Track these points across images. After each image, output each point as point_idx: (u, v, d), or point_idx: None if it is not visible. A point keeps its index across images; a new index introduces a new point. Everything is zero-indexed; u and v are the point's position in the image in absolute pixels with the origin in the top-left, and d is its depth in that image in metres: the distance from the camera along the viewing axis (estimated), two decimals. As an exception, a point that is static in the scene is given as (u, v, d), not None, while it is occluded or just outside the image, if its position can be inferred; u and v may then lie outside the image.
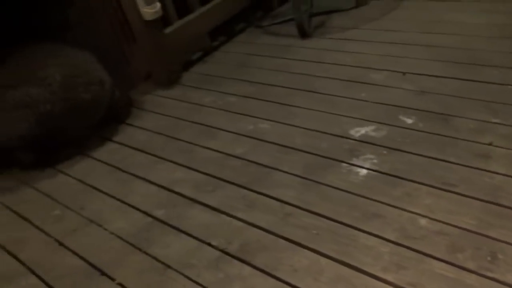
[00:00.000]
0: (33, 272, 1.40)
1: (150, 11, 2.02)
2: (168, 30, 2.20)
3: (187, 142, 1.79)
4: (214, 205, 1.46)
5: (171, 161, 1.70)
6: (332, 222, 1.29)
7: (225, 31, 2.60)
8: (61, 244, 1.48)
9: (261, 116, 1.82)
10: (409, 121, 1.63)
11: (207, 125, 1.86)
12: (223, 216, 1.41)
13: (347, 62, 2.03)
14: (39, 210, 1.64)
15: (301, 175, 1.49)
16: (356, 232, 1.25)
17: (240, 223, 1.37)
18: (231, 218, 1.40)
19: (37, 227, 1.57)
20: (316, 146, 1.60)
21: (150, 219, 1.48)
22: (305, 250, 1.23)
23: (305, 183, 1.46)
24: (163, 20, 2.15)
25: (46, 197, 1.70)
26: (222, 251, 1.30)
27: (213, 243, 1.32)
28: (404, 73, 1.87)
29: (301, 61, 2.14)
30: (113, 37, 2.41)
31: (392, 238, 1.21)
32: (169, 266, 1.30)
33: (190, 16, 2.34)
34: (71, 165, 1.83)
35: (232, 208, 1.43)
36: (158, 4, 2.04)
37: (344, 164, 1.50)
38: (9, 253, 1.49)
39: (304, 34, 2.32)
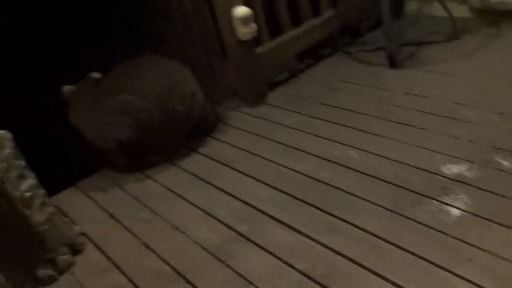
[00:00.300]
0: (120, 270, 1.48)
1: (246, 31, 2.08)
2: (259, 49, 2.26)
3: (271, 161, 1.82)
4: (296, 226, 1.47)
5: (255, 178, 1.74)
6: (422, 261, 1.26)
7: (312, 54, 2.63)
8: (147, 246, 1.54)
9: (348, 143, 1.82)
10: (505, 163, 1.56)
11: (292, 146, 1.88)
12: (306, 239, 1.42)
13: (439, 96, 1.99)
14: (128, 212, 1.73)
15: (388, 207, 1.47)
16: (447, 274, 1.21)
17: (324, 249, 1.37)
18: (314, 242, 1.40)
19: (125, 227, 1.65)
20: (405, 179, 1.57)
21: (233, 233, 1.51)
22: (393, 287, 1.21)
23: (393, 216, 1.43)
24: (255, 40, 2.22)
25: (135, 200, 1.79)
26: (305, 275, 1.30)
27: (297, 266, 1.33)
28: (501, 113, 1.80)
29: (390, 91, 2.11)
30: (205, 52, 2.52)
31: (488, 287, 1.16)
32: (251, 282, 1.32)
33: (281, 38, 2.39)
34: (159, 172, 1.92)
35: (315, 231, 1.43)
36: (254, 25, 2.11)
37: (435, 202, 1.46)
38: (99, 248, 1.58)
39: (393, 63, 2.30)
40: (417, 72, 2.23)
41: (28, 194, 1.42)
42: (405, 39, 2.53)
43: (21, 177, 1.42)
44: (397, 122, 1.88)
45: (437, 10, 2.77)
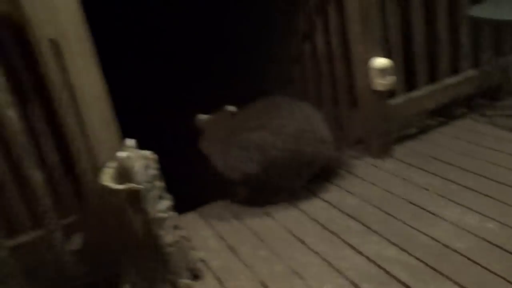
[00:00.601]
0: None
1: (383, 83, 2.04)
2: (391, 101, 2.21)
3: (401, 221, 1.72)
4: (431, 298, 1.36)
5: (383, 237, 1.65)
6: None
7: (443, 112, 2.51)
8: (264, 285, 1.52)
9: (488, 214, 1.67)
10: None
11: (423, 208, 1.77)
12: (441, 314, 1.30)
13: None
14: (247, 247, 1.72)
15: (539, 296, 1.31)
16: None
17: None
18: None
19: (243, 262, 1.65)
20: (559, 266, 1.40)
21: (356, 290, 1.44)
22: None
23: (545, 307, 1.27)
24: (389, 91, 2.17)
25: (254, 235, 1.78)
26: None
27: None
28: None
29: (538, 164, 1.93)
30: (332, 98, 2.52)
31: None
32: None
33: (415, 93, 2.32)
34: (279, 211, 1.91)
35: (453, 308, 1.31)
36: (391, 77, 2.06)
37: None
38: (218, 279, 1.59)
39: (540, 134, 2.11)
40: None
41: (164, 215, 1.47)
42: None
43: (160, 197, 1.48)
44: (549, 200, 1.70)
45: None
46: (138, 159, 1.41)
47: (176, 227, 1.53)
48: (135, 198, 1.37)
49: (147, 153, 1.48)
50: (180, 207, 2.09)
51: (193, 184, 2.32)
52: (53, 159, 1.53)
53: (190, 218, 1.97)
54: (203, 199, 2.11)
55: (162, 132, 2.73)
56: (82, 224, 1.56)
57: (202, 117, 2.09)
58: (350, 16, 2.04)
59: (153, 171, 1.45)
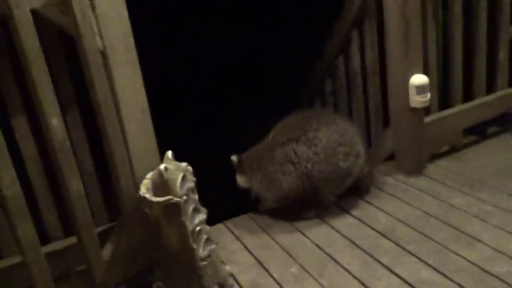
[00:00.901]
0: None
1: (420, 100, 2.02)
2: (427, 119, 2.17)
3: (436, 242, 1.68)
4: (468, 324, 1.32)
5: (418, 258, 1.61)
6: None
7: (477, 130, 2.47)
8: (296, 304, 1.50)
9: (527, 238, 1.63)
10: None
11: (459, 230, 1.73)
12: None
13: None
14: (277, 263, 1.71)
15: None
16: None
17: None
18: None
19: (274, 279, 1.63)
20: None
21: (391, 313, 1.41)
22: None
23: None
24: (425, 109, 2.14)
25: (284, 252, 1.77)
26: None
27: None
28: None
29: None
30: (365, 114, 2.50)
31: None
32: None
33: (450, 110, 2.28)
34: (309, 227, 1.89)
35: (493, 336, 1.27)
36: (429, 95, 2.04)
37: None
38: (248, 295, 1.58)
39: None
40: None
41: (198, 228, 1.47)
42: None
43: (196, 210, 1.48)
44: None
45: None
46: (177, 171, 1.41)
47: (208, 241, 1.52)
48: (172, 210, 1.37)
49: (184, 165, 1.48)
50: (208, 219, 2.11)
51: (221, 195, 2.31)
52: (90, 169, 1.55)
53: (218, 231, 1.96)
54: (231, 211, 2.11)
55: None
56: (117, 234, 1.56)
57: (233, 157, 2.01)
58: (390, 32, 2.03)
59: (190, 183, 1.45)
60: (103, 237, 1.59)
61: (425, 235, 1.73)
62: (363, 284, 1.54)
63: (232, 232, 1.95)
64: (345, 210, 1.98)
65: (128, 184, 1.46)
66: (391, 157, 2.31)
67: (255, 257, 1.76)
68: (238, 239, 1.90)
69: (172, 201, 1.37)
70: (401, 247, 1.69)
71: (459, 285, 1.47)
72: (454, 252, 1.62)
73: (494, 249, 1.60)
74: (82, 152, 1.57)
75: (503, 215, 1.78)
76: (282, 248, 1.79)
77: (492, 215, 1.79)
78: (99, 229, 1.61)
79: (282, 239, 1.84)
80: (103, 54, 1.29)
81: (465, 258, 1.58)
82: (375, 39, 2.27)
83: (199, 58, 3.52)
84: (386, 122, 2.34)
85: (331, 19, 2.49)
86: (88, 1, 1.25)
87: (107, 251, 1.54)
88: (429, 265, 1.57)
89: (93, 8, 1.26)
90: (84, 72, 1.31)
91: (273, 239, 1.86)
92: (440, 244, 1.67)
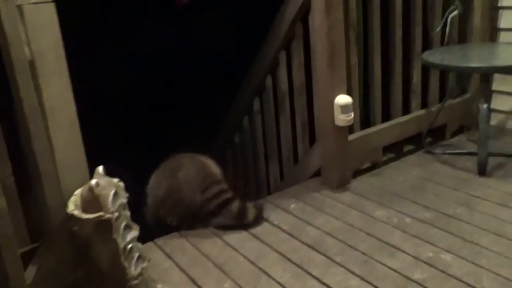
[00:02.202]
0: None
1: (345, 119, 2.13)
2: (350, 137, 2.30)
3: (362, 252, 1.77)
4: (394, 328, 1.40)
5: (345, 268, 1.69)
6: None
7: (394, 148, 2.65)
8: (231, 320, 1.50)
9: (442, 246, 1.76)
10: None
11: (382, 240, 1.83)
12: None
13: (538, 214, 1.93)
14: (210, 279, 1.70)
15: (493, 324, 1.38)
16: None
17: None
18: None
19: (208, 296, 1.62)
20: (508, 296, 1.49)
21: (323, 322, 1.45)
22: None
23: (500, 335, 1.35)
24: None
25: (217, 268, 1.76)
26: None
27: None
28: None
29: (483, 199, 2.07)
30: (292, 132, 2.59)
31: None
32: None
33: (371, 129, 2.44)
34: (241, 242, 1.90)
35: (416, 338, 1.36)
36: (352, 114, 2.16)
37: (544, 327, 1.37)
38: (181, 314, 1.55)
39: (484, 171, 2.27)
40: (511, 185, 2.18)
41: (130, 246, 1.43)
42: (492, 149, 2.51)
43: (128, 227, 1.44)
44: (497, 234, 1.81)
45: (524, 125, 2.78)
46: (108, 186, 1.37)
47: (140, 258, 1.49)
48: (104, 227, 1.33)
49: (116, 180, 1.44)
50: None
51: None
52: (12, 186, 1.46)
53: (148, 249, 1.91)
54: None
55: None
56: (41, 255, 1.47)
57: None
58: (317, 54, 2.13)
59: (122, 199, 1.42)
60: (25, 259, 1.50)
61: (351, 247, 1.82)
62: (295, 296, 1.58)
63: (163, 250, 1.91)
64: (276, 225, 2.02)
65: (55, 201, 1.40)
66: (317, 174, 2.41)
67: (187, 275, 1.74)
68: (170, 257, 1.86)
69: (103, 217, 1.33)
70: (330, 258, 1.75)
71: (384, 292, 1.56)
72: (378, 261, 1.71)
73: (414, 257, 1.72)
74: (2, 167, 1.47)
75: (419, 225, 1.92)
76: (215, 264, 1.79)
77: (410, 225, 1.92)
78: (21, 250, 1.51)
79: (214, 256, 1.84)
80: (32, 64, 1.23)
81: (389, 267, 1.68)
82: (302, 60, 2.38)
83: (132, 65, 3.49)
84: (312, 140, 2.45)
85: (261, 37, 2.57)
86: (16, 7, 1.20)
87: (29, 274, 1.45)
88: (356, 274, 1.65)
89: (22, 14, 1.21)
90: (10, 83, 1.24)
91: (205, 255, 1.85)
92: (365, 254, 1.76)
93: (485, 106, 2.25)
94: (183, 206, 2.01)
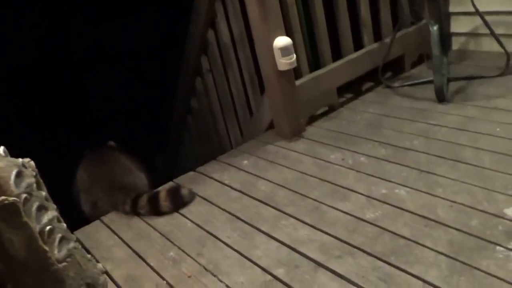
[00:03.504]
0: (144, 316, 1.34)
1: (286, 62, 1.99)
2: (298, 82, 2.16)
3: (313, 199, 1.66)
4: (343, 273, 1.30)
5: (295, 218, 1.58)
6: (494, 319, 1.07)
7: (351, 88, 2.52)
8: (173, 288, 1.40)
9: (397, 181, 1.66)
10: None
11: (335, 184, 1.73)
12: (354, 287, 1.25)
13: (498, 133, 1.81)
14: (155, 250, 1.59)
15: (447, 253, 1.28)
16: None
17: (376, 301, 1.20)
18: (364, 293, 1.23)
19: (151, 268, 1.51)
20: (464, 222, 1.39)
21: (269, 277, 1.35)
22: None
23: (453, 264, 1.25)
24: (294, 72, 2.12)
25: (163, 238, 1.66)
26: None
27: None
28: None
29: (442, 127, 1.95)
30: (242, 85, 2.45)
31: None
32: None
33: (321, 71, 2.29)
34: (189, 207, 1.79)
35: (365, 280, 1.26)
36: (294, 56, 2.01)
37: (500, 248, 1.27)
38: (122, 290, 1.45)
39: (442, 98, 2.14)
40: (470, 107, 2.06)
41: (49, 227, 1.31)
42: (453, 74, 2.38)
43: (42, 208, 1.32)
44: (451, 159, 1.71)
45: (485, 46, 2.64)
46: (9, 167, 1.24)
47: (65, 239, 1.37)
48: (10, 212, 1.20)
49: (20, 160, 1.31)
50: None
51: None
52: None
53: (93, 228, 1.81)
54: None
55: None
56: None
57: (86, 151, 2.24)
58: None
59: (30, 179, 1.29)
60: None
61: (303, 195, 1.71)
62: (241, 254, 1.47)
63: (109, 227, 1.80)
64: (227, 185, 1.90)
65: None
66: (272, 125, 2.28)
67: (132, 249, 1.63)
68: (115, 233, 1.75)
69: (6, 202, 1.20)
70: (280, 211, 1.65)
71: (334, 237, 1.45)
72: (330, 206, 1.61)
73: (367, 196, 1.62)
74: None
75: (374, 163, 1.81)
76: (161, 234, 1.68)
77: (365, 164, 1.81)
78: None
79: (161, 225, 1.72)
80: None
81: (340, 210, 1.57)
82: (238, 8, 2.22)
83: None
84: (263, 90, 2.31)
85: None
86: None
87: None
88: (306, 223, 1.55)
89: None
90: None
91: (151, 226, 1.74)
92: (316, 201, 1.65)
93: (435, 28, 2.11)
94: (99, 203, 1.97)
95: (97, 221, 1.86)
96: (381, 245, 1.37)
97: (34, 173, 1.32)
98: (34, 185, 1.31)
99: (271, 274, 1.36)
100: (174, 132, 3.49)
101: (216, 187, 1.91)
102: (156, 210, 1.80)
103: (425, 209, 1.48)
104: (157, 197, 1.81)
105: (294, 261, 1.39)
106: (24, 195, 1.25)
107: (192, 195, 1.85)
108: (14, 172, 1.24)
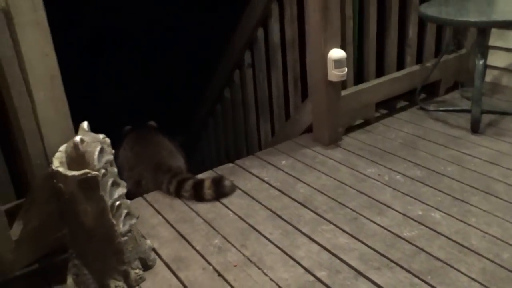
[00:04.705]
0: (192, 296, 1.43)
1: (337, 74, 2.08)
2: (343, 93, 2.25)
3: (352, 209, 1.77)
4: (382, 284, 1.41)
5: (335, 225, 1.69)
6: None
7: (386, 105, 2.61)
8: (220, 275, 1.50)
9: (432, 204, 1.76)
10: None
11: (372, 198, 1.83)
12: (394, 300, 1.36)
13: (528, 172, 1.92)
14: (200, 235, 1.69)
15: (480, 281, 1.39)
16: None
17: (413, 314, 1.31)
18: (401, 305, 1.34)
19: (197, 251, 1.61)
20: (495, 253, 1.50)
21: (312, 278, 1.46)
22: None
23: (486, 292, 1.36)
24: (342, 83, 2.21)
25: (206, 224, 1.75)
26: None
27: (385, 327, 1.27)
28: None
29: (474, 157, 2.06)
30: (284, 86, 2.53)
31: None
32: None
33: (364, 85, 2.38)
34: (231, 199, 1.89)
35: (403, 294, 1.37)
36: (346, 69, 2.10)
37: (529, 283, 1.38)
38: (170, 269, 1.55)
39: (477, 129, 2.25)
40: (502, 143, 2.16)
41: (118, 202, 1.40)
42: (486, 106, 2.48)
43: (115, 184, 1.41)
44: (483, 191, 1.81)
45: (518, 83, 2.74)
46: (94, 143, 1.32)
47: (128, 215, 1.46)
48: (90, 185, 1.29)
49: (102, 136, 1.40)
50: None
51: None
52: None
53: (138, 205, 1.90)
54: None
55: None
56: (25, 211, 1.44)
57: (127, 128, 2.36)
58: (311, 5, 2.03)
59: (109, 156, 1.38)
60: (10, 216, 1.47)
61: (341, 204, 1.81)
62: (284, 252, 1.58)
63: (152, 206, 1.89)
64: (266, 182, 2.00)
65: (39, 158, 1.35)
66: (309, 130, 2.37)
67: (176, 231, 1.73)
68: (159, 213, 1.85)
69: (89, 175, 1.29)
70: (320, 215, 1.75)
71: (373, 249, 1.56)
72: (368, 219, 1.71)
73: (403, 214, 1.72)
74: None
75: (410, 183, 1.91)
76: (204, 220, 1.78)
77: (401, 183, 1.92)
78: (5, 206, 1.48)
79: (204, 212, 1.82)
80: (6, 13, 1.15)
81: (378, 224, 1.68)
82: (295, 12, 2.29)
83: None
84: (304, 95, 2.40)
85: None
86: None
87: (16, 230, 1.42)
88: (346, 232, 1.65)
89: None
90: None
91: (194, 211, 1.84)
92: (355, 212, 1.75)
93: (481, 62, 2.20)
94: (143, 182, 2.06)
95: (140, 198, 1.96)
96: (417, 264, 1.48)
97: (111, 150, 1.41)
98: (110, 162, 1.40)
99: (314, 275, 1.47)
100: (200, 117, 3.58)
101: (256, 182, 2.00)
102: (199, 196, 1.90)
103: (459, 235, 1.59)
104: (202, 184, 1.90)
105: (335, 266, 1.50)
106: (103, 171, 1.34)
107: (234, 188, 1.94)
108: (98, 148, 1.33)
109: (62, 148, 1.37)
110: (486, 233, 1.60)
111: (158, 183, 1.98)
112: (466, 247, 1.53)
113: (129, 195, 2.01)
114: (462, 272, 1.43)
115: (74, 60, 3.00)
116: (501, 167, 1.98)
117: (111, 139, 1.43)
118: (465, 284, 1.39)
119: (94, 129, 1.42)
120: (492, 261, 1.47)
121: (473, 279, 1.40)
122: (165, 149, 2.18)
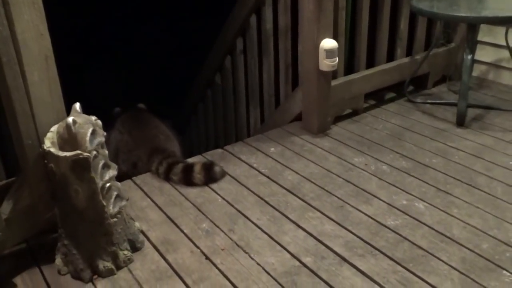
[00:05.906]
0: (180, 277, 1.46)
1: (329, 63, 2.10)
2: (333, 83, 2.27)
3: (338, 197, 1.80)
4: (366, 271, 1.45)
5: (321, 212, 1.72)
6: (499, 333, 1.24)
7: (375, 96, 2.64)
8: (207, 258, 1.53)
9: (416, 194, 1.81)
10: None
11: (358, 187, 1.87)
12: (377, 286, 1.40)
13: (510, 166, 1.98)
14: (188, 219, 1.72)
15: (459, 269, 1.44)
16: None
17: (394, 300, 1.35)
18: (384, 292, 1.38)
19: (185, 235, 1.64)
20: (475, 243, 1.55)
21: (298, 263, 1.50)
22: None
23: (465, 280, 1.41)
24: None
25: (195, 208, 1.78)
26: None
27: (367, 312, 1.31)
28: None
29: (459, 150, 2.10)
30: (275, 74, 2.54)
31: None
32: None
33: (354, 75, 2.41)
34: (220, 184, 1.91)
35: (386, 281, 1.41)
36: (337, 59, 2.12)
37: (506, 273, 1.43)
38: (159, 251, 1.57)
39: (462, 123, 2.30)
40: (486, 137, 2.21)
41: (108, 184, 1.42)
42: (472, 100, 2.53)
43: (106, 166, 1.42)
44: (466, 184, 1.86)
45: (505, 79, 2.80)
46: (86, 124, 1.33)
47: (118, 197, 1.48)
48: (81, 166, 1.30)
49: (94, 118, 1.40)
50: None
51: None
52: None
53: (127, 187, 1.91)
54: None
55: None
56: (16, 190, 1.45)
57: (117, 110, 2.37)
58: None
59: (101, 138, 1.39)
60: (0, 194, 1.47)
61: (328, 192, 1.85)
62: (271, 237, 1.61)
63: (141, 189, 1.91)
64: (255, 168, 2.03)
65: (30, 138, 1.35)
66: (298, 118, 2.40)
67: (165, 214, 1.75)
68: (148, 196, 1.87)
69: (81, 156, 1.30)
70: (307, 203, 1.79)
71: (358, 236, 1.60)
72: (354, 207, 1.75)
73: (388, 204, 1.76)
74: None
75: (396, 173, 1.96)
76: (193, 205, 1.80)
77: (387, 173, 1.96)
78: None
79: (193, 196, 1.85)
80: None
81: (363, 213, 1.72)
82: (289, 0, 2.30)
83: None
84: (295, 83, 2.42)
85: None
86: None
87: (5, 209, 1.43)
88: (332, 219, 1.69)
89: None
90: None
91: (183, 195, 1.86)
92: (341, 200, 1.79)
93: (469, 57, 2.23)
94: (139, 164, 2.07)
95: (129, 181, 1.97)
96: (400, 252, 1.52)
97: (103, 132, 1.42)
98: (102, 144, 1.40)
99: (299, 260, 1.50)
100: (190, 101, 3.58)
101: (245, 168, 2.03)
102: (188, 180, 1.91)
103: (442, 225, 1.64)
104: (192, 169, 1.92)
105: (320, 252, 1.53)
106: (94, 152, 1.35)
107: (223, 173, 1.97)
108: (90, 130, 1.34)
109: (54, 128, 1.38)
110: (467, 223, 1.65)
111: (150, 164, 1.99)
112: (448, 237, 1.58)
113: (122, 177, 2.05)
114: (443, 261, 1.48)
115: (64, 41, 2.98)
116: (484, 160, 2.03)
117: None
118: (445, 272, 1.44)
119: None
120: (472, 251, 1.52)
121: (453, 267, 1.46)
122: (163, 133, 2.18)
